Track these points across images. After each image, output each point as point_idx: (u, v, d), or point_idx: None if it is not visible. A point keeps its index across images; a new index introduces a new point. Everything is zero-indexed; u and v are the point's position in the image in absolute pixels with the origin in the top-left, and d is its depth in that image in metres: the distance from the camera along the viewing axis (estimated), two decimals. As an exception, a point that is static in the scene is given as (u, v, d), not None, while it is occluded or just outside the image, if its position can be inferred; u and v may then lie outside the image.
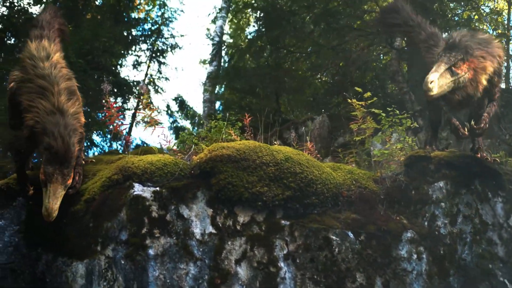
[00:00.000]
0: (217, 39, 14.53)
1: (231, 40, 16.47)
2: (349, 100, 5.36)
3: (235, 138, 5.49)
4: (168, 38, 14.36)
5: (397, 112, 5.44)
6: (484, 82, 4.47)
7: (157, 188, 4.22)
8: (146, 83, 14.20)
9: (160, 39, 14.21)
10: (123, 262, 4.03)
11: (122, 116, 5.95)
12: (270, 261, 4.16)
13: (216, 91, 14.09)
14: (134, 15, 14.05)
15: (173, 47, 14.11)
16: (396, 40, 9.59)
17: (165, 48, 14.25)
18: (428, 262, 4.32)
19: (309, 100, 12.43)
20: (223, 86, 13.07)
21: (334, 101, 11.59)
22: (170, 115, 15.81)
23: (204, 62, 19.88)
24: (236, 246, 4.15)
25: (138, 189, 4.20)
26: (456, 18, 10.06)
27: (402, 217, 4.49)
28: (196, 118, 15.52)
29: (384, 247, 4.30)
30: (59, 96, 4.19)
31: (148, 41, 13.86)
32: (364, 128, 5.41)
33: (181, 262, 4.05)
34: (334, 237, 4.22)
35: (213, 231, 4.17)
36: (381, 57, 12.23)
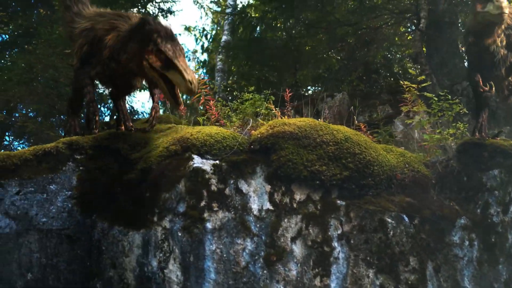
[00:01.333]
0: (230, 9, 14.23)
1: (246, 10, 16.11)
2: (401, 82, 5.31)
3: (275, 113, 5.42)
4: (160, 2, 13.61)
5: (449, 96, 5.41)
6: None
7: (217, 161, 4.17)
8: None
9: (152, 3, 13.45)
10: (180, 234, 4.00)
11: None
12: (324, 240, 4.16)
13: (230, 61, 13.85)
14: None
15: (166, 12, 13.46)
16: (421, 22, 9.51)
17: (157, 13, 13.54)
18: (479, 249, 4.36)
19: (324, 76, 12.34)
20: (236, 57, 12.83)
21: (347, 79, 11.52)
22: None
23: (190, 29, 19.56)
24: (292, 224, 4.14)
25: (197, 161, 4.15)
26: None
27: (454, 203, 4.50)
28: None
29: (438, 232, 4.32)
30: None
31: (138, 5, 13.10)
32: (409, 110, 5.38)
33: (238, 237, 4.04)
34: (389, 220, 4.22)
35: (270, 207, 4.15)
36: (395, 38, 12.15)
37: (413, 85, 5.32)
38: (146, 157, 4.35)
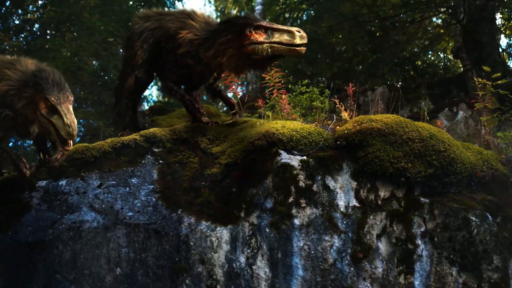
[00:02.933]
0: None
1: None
2: (475, 79, 5.29)
3: (340, 108, 5.38)
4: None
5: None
6: None
7: (304, 157, 4.15)
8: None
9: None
10: (267, 230, 3.98)
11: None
12: (408, 237, 4.16)
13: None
14: None
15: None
16: (462, 16, 9.47)
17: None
18: (558, 247, 4.37)
19: (358, 69, 12.31)
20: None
21: (379, 72, 11.50)
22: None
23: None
24: (377, 221, 4.13)
25: (285, 157, 4.13)
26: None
27: (534, 202, 4.50)
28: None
29: (520, 231, 4.32)
30: None
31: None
32: (480, 107, 5.36)
33: (325, 234, 4.03)
34: (473, 218, 4.21)
35: (357, 204, 4.13)
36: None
37: (488, 82, 5.28)
38: (229, 151, 4.32)
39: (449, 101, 9.03)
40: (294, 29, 4.10)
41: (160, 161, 4.33)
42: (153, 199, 4.13)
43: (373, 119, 4.31)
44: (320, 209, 4.07)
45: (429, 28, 12.18)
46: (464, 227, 4.21)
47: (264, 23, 4.20)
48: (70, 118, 3.72)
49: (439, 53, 13.28)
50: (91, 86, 7.36)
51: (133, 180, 4.19)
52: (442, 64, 12.95)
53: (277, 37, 4.12)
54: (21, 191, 4.05)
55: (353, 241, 4.06)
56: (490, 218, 4.27)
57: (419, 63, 12.29)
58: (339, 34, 11.73)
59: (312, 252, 4.00)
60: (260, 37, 4.12)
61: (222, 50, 4.27)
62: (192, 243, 3.98)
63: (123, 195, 4.11)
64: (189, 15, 4.70)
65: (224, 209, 4.06)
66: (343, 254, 4.03)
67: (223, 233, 3.99)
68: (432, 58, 13.11)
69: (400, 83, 10.52)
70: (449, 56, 13.56)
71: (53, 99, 3.75)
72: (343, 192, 4.15)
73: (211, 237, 3.98)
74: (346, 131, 4.31)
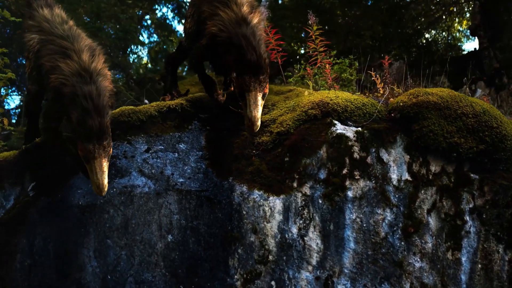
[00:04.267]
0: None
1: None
2: None
3: (376, 80, 5.31)
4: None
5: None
6: None
7: (359, 129, 4.10)
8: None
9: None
10: (320, 201, 3.95)
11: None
12: (457, 213, 4.15)
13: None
14: None
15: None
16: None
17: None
18: None
19: (370, 44, 12.23)
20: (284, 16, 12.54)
21: (390, 47, 11.44)
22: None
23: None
24: (428, 196, 4.12)
25: (339, 127, 4.08)
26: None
27: None
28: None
29: None
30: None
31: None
32: None
33: (378, 207, 4.00)
34: (522, 196, 4.21)
35: (409, 178, 4.11)
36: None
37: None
38: (281, 120, 4.24)
39: (468, 78, 9.03)
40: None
41: (207, 127, 4.24)
42: (203, 166, 4.05)
43: (429, 92, 4.26)
44: (373, 181, 4.03)
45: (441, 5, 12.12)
46: (513, 204, 4.21)
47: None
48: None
49: (442, 32, 13.24)
50: (112, 49, 7.17)
51: (181, 146, 4.11)
52: (444, 42, 12.91)
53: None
54: (68, 153, 3.94)
55: (405, 215, 4.04)
56: (538, 197, 4.28)
57: (424, 40, 12.24)
58: (351, 8, 11.64)
59: (364, 225, 3.97)
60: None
61: None
62: (244, 212, 3.92)
63: (172, 161, 4.03)
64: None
65: (277, 178, 4.00)
66: (395, 228, 4.01)
67: (276, 202, 3.94)
68: (437, 35, 13.06)
69: (411, 58, 10.46)
70: (453, 34, 13.56)
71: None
72: (396, 165, 4.11)
73: (264, 207, 3.93)
74: (401, 104, 4.26)
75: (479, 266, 4.12)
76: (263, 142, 4.19)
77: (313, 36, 5.30)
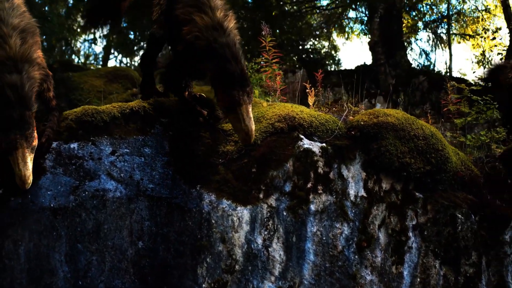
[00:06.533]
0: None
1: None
2: (449, 82, 6.24)
3: (309, 93, 6.06)
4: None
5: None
6: None
7: (324, 144, 4.72)
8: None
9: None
10: (285, 213, 4.52)
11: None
12: (402, 229, 4.94)
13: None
14: None
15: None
16: (379, 10, 10.53)
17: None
18: (523, 248, 5.44)
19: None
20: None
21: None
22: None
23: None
24: (379, 212, 4.82)
25: (306, 142, 4.65)
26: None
27: (504, 204, 5.56)
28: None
29: (493, 230, 5.32)
30: None
31: None
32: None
33: (337, 221, 4.66)
34: (459, 215, 5.06)
35: (364, 194, 4.79)
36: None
37: (465, 86, 6.26)
38: (247, 131, 4.77)
39: (367, 92, 10.13)
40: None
41: (170, 133, 4.69)
42: (170, 173, 4.43)
43: (387, 113, 4.99)
44: (334, 196, 4.67)
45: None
46: (450, 223, 5.06)
47: None
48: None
49: (322, 40, 14.49)
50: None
51: (146, 150, 4.48)
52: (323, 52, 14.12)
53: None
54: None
55: (359, 230, 4.70)
56: (473, 217, 5.24)
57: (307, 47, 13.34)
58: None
59: (324, 238, 4.61)
60: None
61: None
62: (213, 221, 4.38)
63: (139, 165, 4.39)
64: None
65: (243, 188, 4.46)
66: (350, 242, 4.68)
67: (244, 213, 4.44)
68: (317, 44, 14.26)
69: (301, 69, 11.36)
70: (334, 44, 14.98)
71: None
72: (354, 181, 4.79)
73: (232, 216, 4.42)
74: (362, 123, 4.94)
75: (418, 279, 4.88)
76: (228, 152, 4.67)
77: (267, 47, 5.89)
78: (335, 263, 4.36)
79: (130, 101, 4.92)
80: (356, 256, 4.44)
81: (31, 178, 3.73)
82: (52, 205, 3.88)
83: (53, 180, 3.88)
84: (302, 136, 4.46)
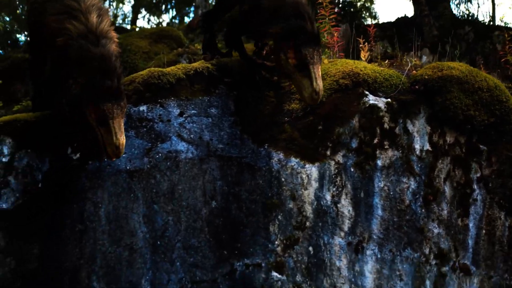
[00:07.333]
0: None
1: None
2: (506, 35, 6.14)
3: (363, 48, 6.01)
4: None
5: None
6: None
7: (389, 100, 4.74)
8: None
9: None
10: (352, 169, 4.56)
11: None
12: (466, 182, 4.98)
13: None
14: None
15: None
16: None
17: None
18: None
19: None
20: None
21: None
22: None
23: None
24: (444, 165, 4.86)
25: (371, 98, 4.65)
26: None
27: None
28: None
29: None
30: None
31: None
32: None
33: (403, 176, 4.69)
34: (525, 166, 5.10)
35: (430, 148, 4.79)
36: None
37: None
38: (312, 88, 4.79)
39: (413, 45, 10.00)
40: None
41: (234, 92, 4.73)
42: (238, 132, 4.49)
43: (451, 66, 4.94)
44: (400, 151, 4.69)
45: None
46: (515, 174, 5.08)
47: None
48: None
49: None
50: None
51: (212, 111, 4.52)
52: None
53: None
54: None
55: (425, 184, 4.77)
56: (538, 168, 5.18)
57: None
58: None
59: (391, 193, 4.65)
60: None
61: None
62: (283, 179, 4.45)
63: (207, 126, 4.44)
64: None
65: (310, 146, 4.54)
66: (417, 196, 4.71)
67: (312, 170, 4.50)
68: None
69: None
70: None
71: None
72: (419, 136, 4.80)
73: (301, 174, 4.48)
74: (426, 76, 4.92)
75: (484, 231, 4.92)
76: (293, 110, 4.70)
77: (324, 3, 5.85)
78: (403, 217, 4.39)
79: (177, 61, 4.93)
80: (423, 210, 4.47)
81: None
82: (128, 168, 3.96)
83: (127, 143, 3.94)
84: (367, 92, 4.46)
